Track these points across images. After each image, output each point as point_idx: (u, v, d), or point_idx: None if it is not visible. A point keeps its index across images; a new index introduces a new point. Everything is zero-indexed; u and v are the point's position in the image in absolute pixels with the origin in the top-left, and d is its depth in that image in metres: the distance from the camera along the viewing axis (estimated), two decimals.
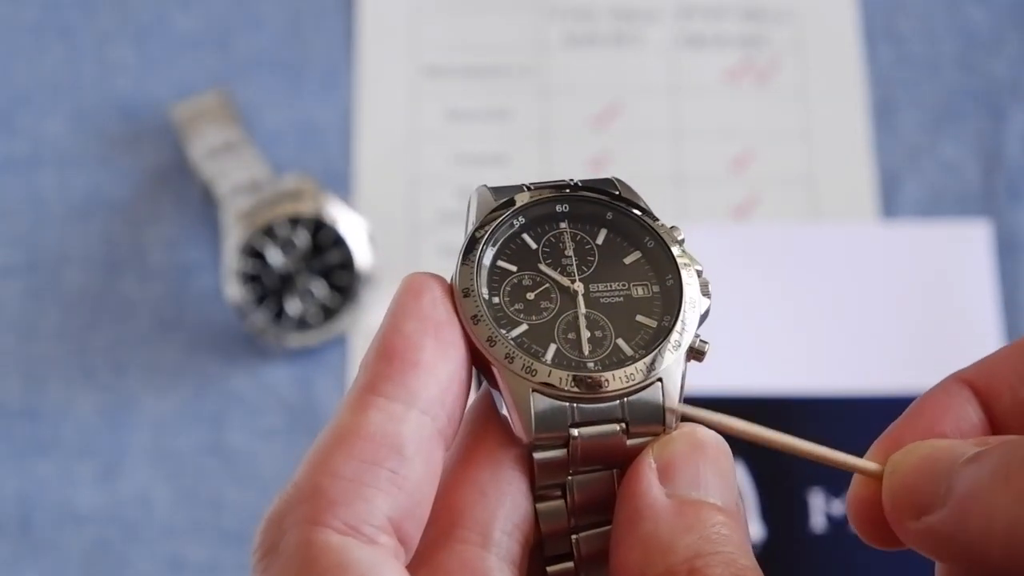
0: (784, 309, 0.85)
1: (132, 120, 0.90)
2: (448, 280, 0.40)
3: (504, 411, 0.39)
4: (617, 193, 0.42)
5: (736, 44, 0.93)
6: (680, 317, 0.40)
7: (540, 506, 0.39)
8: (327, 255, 0.83)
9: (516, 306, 0.40)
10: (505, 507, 0.39)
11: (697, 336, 0.40)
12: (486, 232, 0.41)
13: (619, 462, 0.39)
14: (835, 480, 0.78)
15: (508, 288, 0.40)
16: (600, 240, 0.41)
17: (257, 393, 0.83)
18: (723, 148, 0.90)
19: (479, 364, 0.39)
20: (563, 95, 0.92)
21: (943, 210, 0.88)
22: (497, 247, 0.41)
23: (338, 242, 0.83)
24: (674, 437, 0.39)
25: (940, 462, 0.39)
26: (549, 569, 0.40)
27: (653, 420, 0.39)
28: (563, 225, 0.41)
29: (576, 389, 0.39)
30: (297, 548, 0.36)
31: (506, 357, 0.39)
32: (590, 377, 0.39)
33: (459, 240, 0.41)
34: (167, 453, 0.82)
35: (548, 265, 0.41)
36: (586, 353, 0.39)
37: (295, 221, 0.83)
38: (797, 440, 0.41)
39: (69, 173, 0.89)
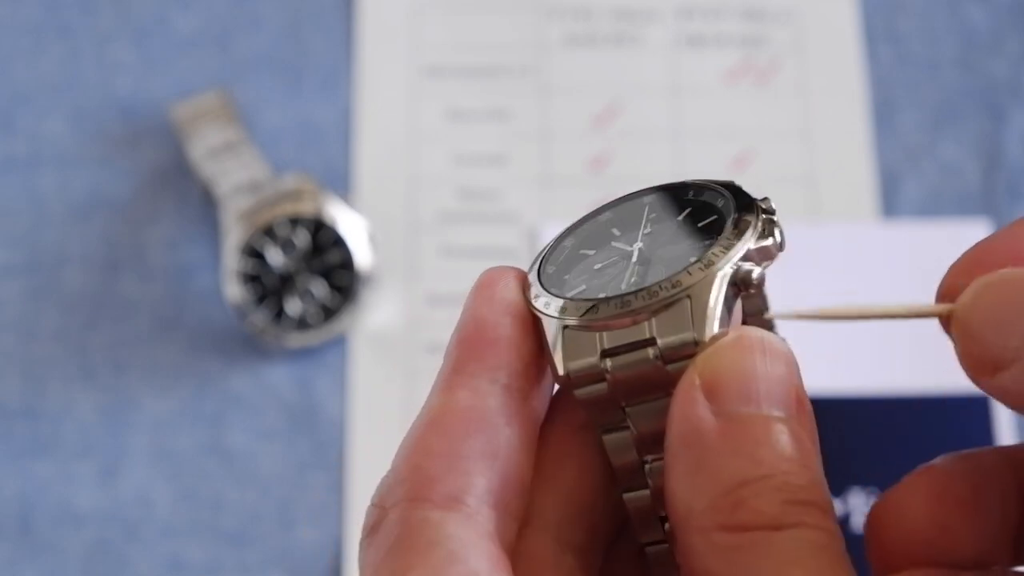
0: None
1: (132, 120, 0.90)
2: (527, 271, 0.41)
3: None
4: (700, 180, 0.42)
5: (736, 44, 0.93)
6: (718, 243, 0.39)
7: (606, 438, 0.39)
8: (327, 255, 0.83)
9: (582, 276, 0.40)
10: (567, 491, 0.39)
11: (744, 264, 0.38)
12: (571, 226, 0.42)
13: (669, 389, 0.38)
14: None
15: (580, 265, 0.41)
16: (681, 216, 0.41)
17: (257, 393, 0.83)
18: (723, 148, 0.90)
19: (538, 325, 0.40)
20: (563, 95, 0.92)
21: (943, 210, 0.88)
22: (580, 238, 0.41)
23: (338, 242, 0.83)
24: (719, 348, 0.37)
25: (1011, 304, 0.36)
26: (625, 496, 0.39)
27: (682, 339, 0.37)
28: (647, 212, 0.41)
29: (598, 315, 0.38)
30: (396, 525, 0.37)
31: (545, 305, 0.39)
32: (611, 299, 0.38)
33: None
34: (167, 453, 0.82)
35: (621, 242, 0.41)
36: (623, 289, 0.39)
37: (295, 221, 0.83)
38: (859, 306, 0.39)
39: (69, 173, 0.89)
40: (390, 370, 0.84)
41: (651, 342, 0.38)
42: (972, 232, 0.87)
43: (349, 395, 0.84)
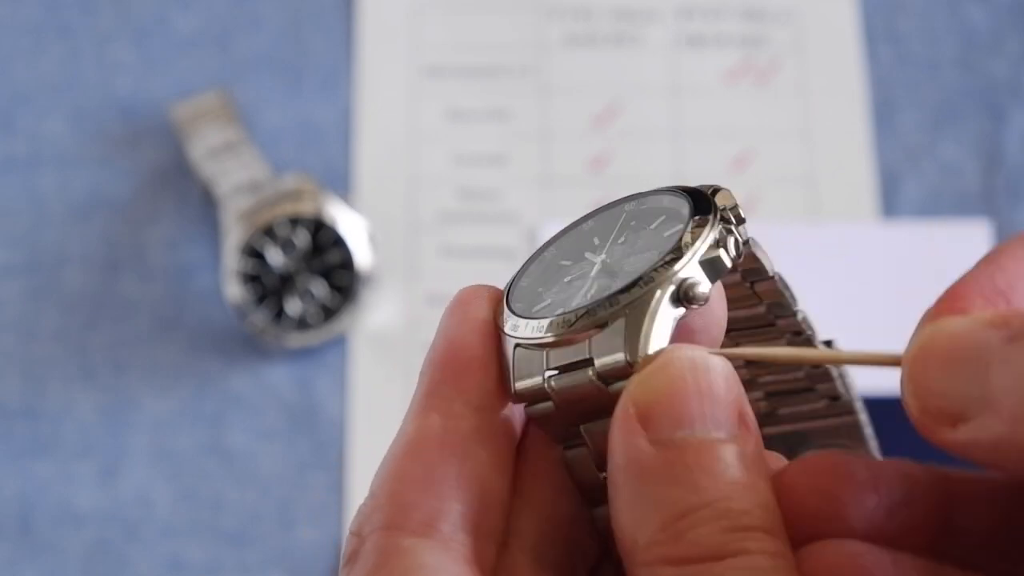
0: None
1: (132, 120, 0.90)
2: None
3: None
4: (680, 186, 0.41)
5: (736, 44, 0.93)
6: (663, 258, 0.38)
7: (566, 454, 0.39)
8: (327, 255, 0.83)
9: (552, 289, 0.40)
10: (543, 508, 0.39)
11: (686, 280, 0.37)
12: (557, 234, 0.42)
13: (613, 408, 0.37)
14: None
15: (554, 277, 0.40)
16: (655, 224, 0.40)
17: (257, 393, 0.83)
18: (723, 148, 0.90)
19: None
20: (563, 95, 0.92)
21: (943, 210, 0.88)
22: (562, 248, 0.41)
23: (338, 242, 0.83)
24: (649, 372, 0.36)
25: (967, 351, 0.34)
26: (594, 512, 0.39)
27: (614, 358, 0.37)
28: (626, 220, 0.41)
29: (543, 334, 0.38)
30: (372, 554, 0.36)
31: (503, 320, 0.39)
32: (556, 318, 0.38)
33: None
34: (167, 453, 0.82)
35: (594, 252, 0.40)
36: (575, 305, 0.38)
37: (295, 221, 0.83)
38: (804, 350, 0.37)
39: (69, 173, 0.89)
40: (390, 370, 0.84)
41: (590, 362, 0.37)
42: (972, 232, 0.87)
43: (349, 395, 0.84)
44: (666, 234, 0.39)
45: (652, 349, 0.36)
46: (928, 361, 0.34)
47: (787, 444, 0.44)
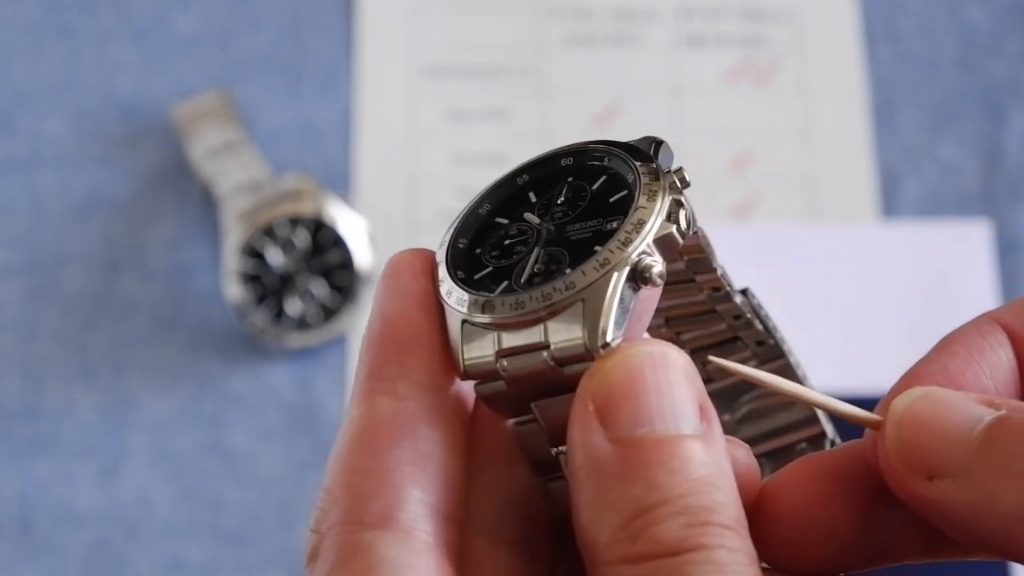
0: (784, 309, 0.85)
1: (132, 120, 0.90)
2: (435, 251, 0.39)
3: None
4: (625, 142, 0.40)
5: (736, 44, 0.93)
6: (615, 237, 0.37)
7: (516, 430, 0.38)
8: (327, 255, 0.83)
9: (492, 253, 0.39)
10: (496, 485, 0.38)
11: (643, 257, 0.36)
12: (484, 191, 0.40)
13: (569, 389, 0.36)
14: None
15: (493, 238, 0.39)
16: (595, 185, 0.39)
17: (257, 393, 0.83)
18: (723, 148, 0.90)
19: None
20: (563, 95, 0.92)
21: (943, 210, 0.88)
22: (496, 203, 0.40)
23: (338, 242, 0.83)
24: (607, 367, 0.35)
25: (955, 419, 0.35)
26: (548, 487, 0.38)
27: (572, 344, 0.36)
28: (566, 177, 0.40)
29: (494, 314, 0.37)
30: (332, 551, 0.35)
31: (447, 293, 0.38)
32: (507, 297, 0.37)
33: None
34: (167, 453, 0.82)
35: (535, 213, 0.39)
36: (523, 281, 0.37)
37: (295, 221, 0.83)
38: (794, 385, 0.37)
39: (69, 173, 0.89)
40: None
41: (544, 346, 0.36)
42: (972, 232, 0.87)
43: (349, 395, 0.83)
44: (611, 200, 0.38)
45: (611, 335, 0.36)
46: (919, 416, 0.35)
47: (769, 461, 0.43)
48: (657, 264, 0.37)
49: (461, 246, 0.39)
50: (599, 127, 0.91)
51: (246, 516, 0.81)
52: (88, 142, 0.90)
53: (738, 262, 0.87)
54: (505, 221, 0.40)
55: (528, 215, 0.39)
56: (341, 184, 0.88)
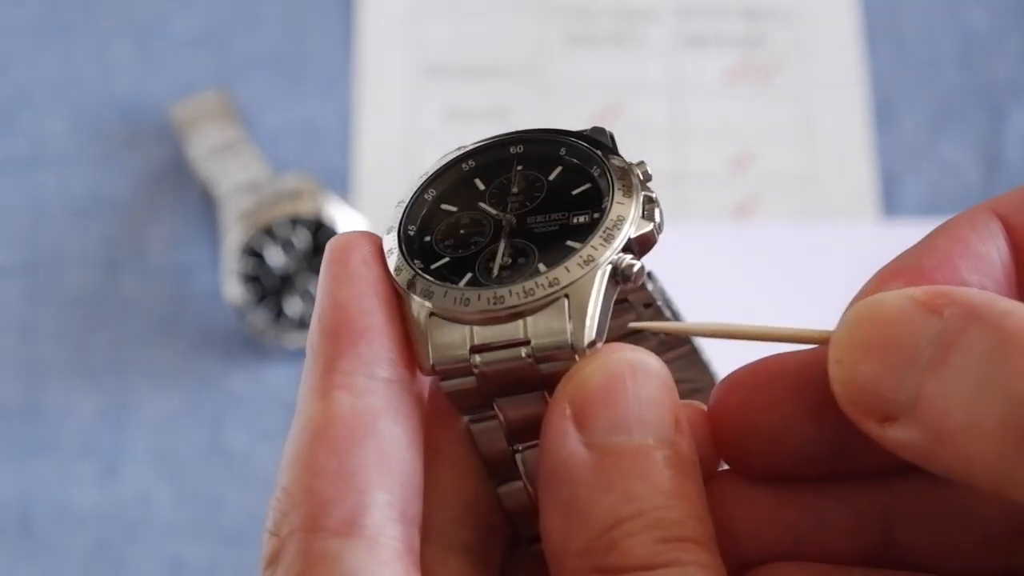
0: (784, 309, 0.85)
1: (132, 120, 0.90)
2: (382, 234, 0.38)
3: None
4: (580, 131, 0.39)
5: (736, 44, 0.93)
6: (597, 233, 0.36)
7: (474, 427, 0.37)
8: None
9: (446, 242, 0.38)
10: (444, 490, 0.36)
11: (626, 255, 0.36)
12: (427, 175, 0.39)
13: (540, 386, 0.36)
14: None
15: (443, 227, 0.38)
16: (552, 176, 0.38)
17: (257, 393, 0.83)
18: (723, 148, 0.90)
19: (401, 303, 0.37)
20: (563, 95, 0.92)
21: (943, 209, 0.88)
22: (441, 189, 0.39)
23: None
24: (587, 372, 0.34)
25: (896, 346, 0.33)
26: (500, 490, 0.37)
27: (557, 342, 0.35)
28: (516, 165, 0.39)
29: (469, 308, 0.35)
30: (295, 559, 0.34)
31: (408, 284, 0.37)
32: (483, 291, 0.36)
33: None
34: (167, 453, 0.82)
35: (489, 203, 0.38)
36: (494, 275, 0.36)
37: (295, 221, 0.83)
38: (731, 325, 0.36)
39: (69, 173, 0.89)
40: None
41: (525, 342, 0.35)
42: None
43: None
44: (574, 192, 0.38)
45: (596, 334, 0.35)
46: (856, 349, 0.33)
47: None
48: (637, 263, 0.36)
49: (411, 233, 0.38)
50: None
51: (246, 516, 0.81)
52: (88, 142, 0.90)
53: (738, 262, 0.87)
54: (453, 208, 0.39)
55: (483, 205, 0.38)
56: (341, 184, 0.88)
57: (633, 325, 0.36)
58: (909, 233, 0.90)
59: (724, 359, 0.40)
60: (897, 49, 0.93)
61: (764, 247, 0.87)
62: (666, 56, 0.93)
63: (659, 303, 0.40)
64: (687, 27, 0.94)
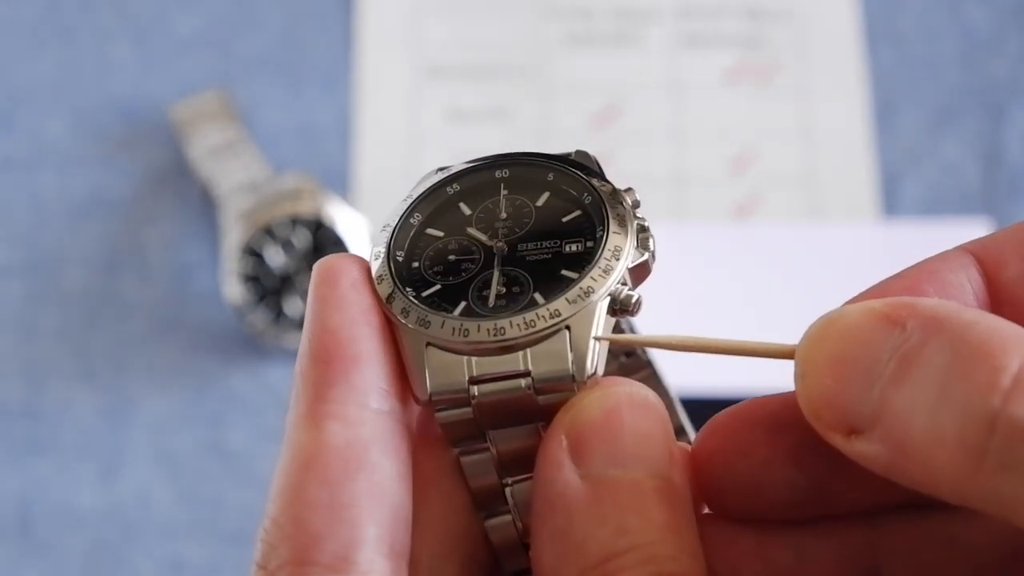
0: (785, 309, 0.85)
1: (132, 120, 0.90)
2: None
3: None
4: (566, 155, 0.39)
5: (736, 44, 0.93)
6: (595, 264, 0.36)
7: (464, 460, 0.36)
8: (327, 255, 0.83)
9: (435, 268, 0.37)
10: (432, 524, 0.36)
11: (624, 287, 0.36)
12: (411, 198, 0.39)
13: (537, 419, 0.36)
14: None
15: (431, 253, 0.38)
16: (540, 202, 0.38)
17: (257, 393, 0.83)
18: (723, 148, 0.90)
19: (393, 330, 0.36)
20: (563, 95, 0.92)
21: (943, 209, 0.88)
22: (427, 214, 0.39)
23: (338, 242, 0.83)
24: (585, 404, 0.34)
25: (858, 359, 0.32)
26: (487, 523, 0.37)
27: (559, 373, 0.35)
28: (502, 190, 0.39)
29: (468, 339, 0.35)
30: None
31: (402, 312, 0.36)
32: (483, 322, 0.35)
33: None
34: (167, 453, 0.82)
35: (478, 229, 0.38)
36: (491, 305, 0.36)
37: (295, 221, 0.83)
38: (698, 338, 0.36)
39: (69, 173, 0.89)
40: None
41: (525, 374, 0.35)
42: (973, 231, 0.87)
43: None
44: (564, 219, 0.38)
45: (596, 364, 0.35)
46: (819, 364, 0.33)
47: None
48: (635, 294, 0.36)
49: (400, 259, 0.38)
50: (599, 127, 0.91)
51: (246, 516, 0.81)
52: (88, 142, 0.90)
53: (738, 262, 0.87)
54: (440, 234, 0.38)
55: (472, 230, 0.38)
56: (341, 184, 0.88)
57: (598, 337, 0.35)
58: (909, 233, 0.90)
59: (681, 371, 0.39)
60: (897, 49, 0.93)
61: (764, 247, 0.87)
62: (666, 56, 0.93)
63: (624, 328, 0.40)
64: (687, 27, 0.94)
